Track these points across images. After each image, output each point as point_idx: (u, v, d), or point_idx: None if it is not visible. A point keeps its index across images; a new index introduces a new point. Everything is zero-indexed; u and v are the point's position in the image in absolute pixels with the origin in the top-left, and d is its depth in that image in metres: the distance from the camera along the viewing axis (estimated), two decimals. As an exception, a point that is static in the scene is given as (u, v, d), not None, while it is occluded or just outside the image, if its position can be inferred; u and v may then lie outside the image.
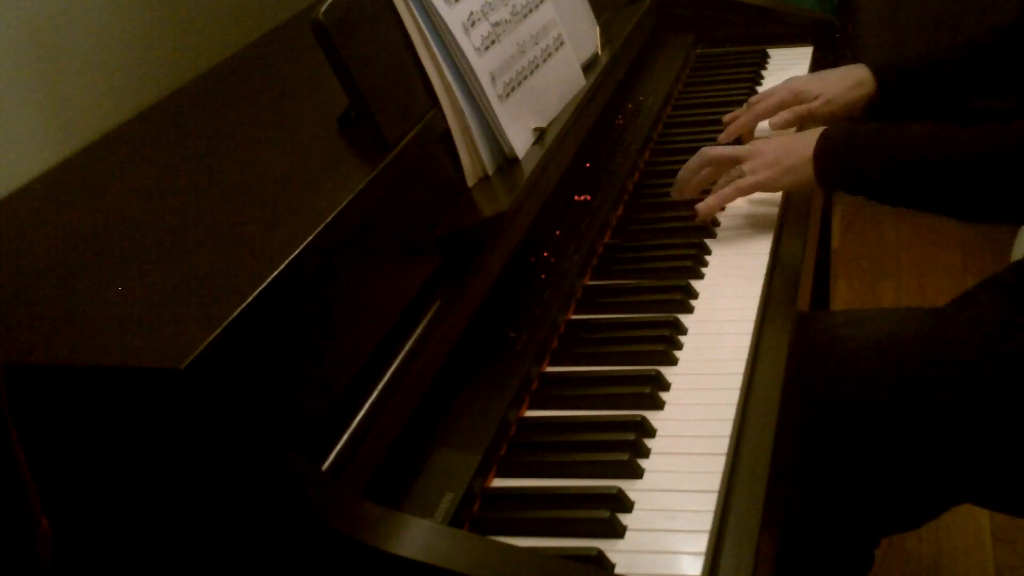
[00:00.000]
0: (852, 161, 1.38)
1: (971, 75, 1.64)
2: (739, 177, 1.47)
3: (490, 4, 1.35)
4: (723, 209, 1.50)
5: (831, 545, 1.48)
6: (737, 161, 1.48)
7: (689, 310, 1.32)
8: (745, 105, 1.72)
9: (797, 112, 1.66)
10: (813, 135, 1.42)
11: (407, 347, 1.07)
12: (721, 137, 1.70)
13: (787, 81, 1.72)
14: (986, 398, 1.33)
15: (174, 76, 1.58)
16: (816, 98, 1.65)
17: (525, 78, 1.39)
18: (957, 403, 1.34)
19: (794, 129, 1.68)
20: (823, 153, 1.40)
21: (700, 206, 1.47)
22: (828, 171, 1.40)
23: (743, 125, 1.69)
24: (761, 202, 1.52)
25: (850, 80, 1.66)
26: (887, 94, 1.65)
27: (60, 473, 0.89)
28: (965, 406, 1.33)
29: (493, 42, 1.34)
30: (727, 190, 1.46)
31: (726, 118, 1.72)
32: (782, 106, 1.69)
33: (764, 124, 1.71)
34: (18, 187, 1.29)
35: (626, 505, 1.01)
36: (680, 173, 1.53)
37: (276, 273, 0.93)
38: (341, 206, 1.04)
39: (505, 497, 1.05)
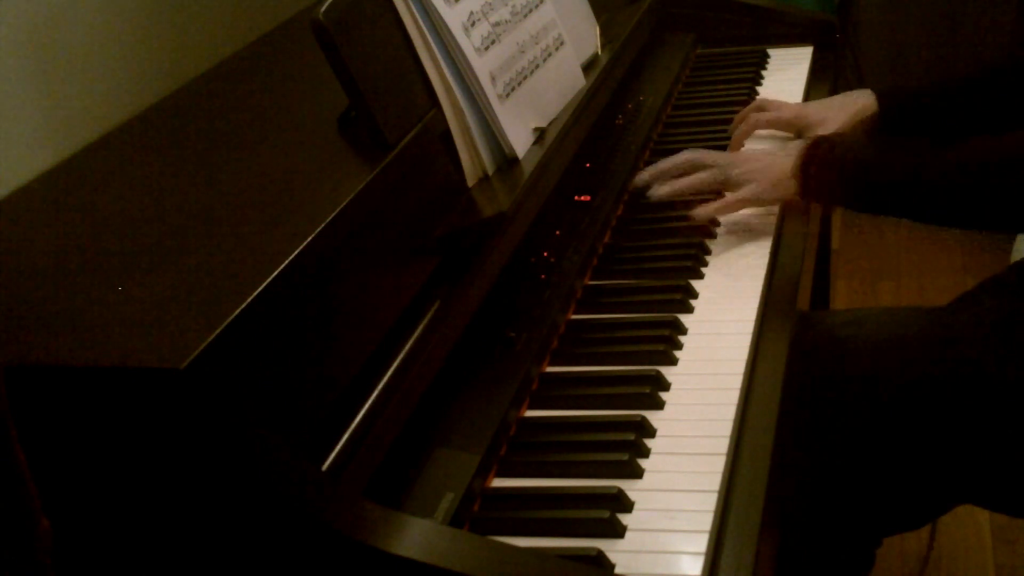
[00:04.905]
0: (835, 175, 1.37)
1: (980, 105, 1.59)
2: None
3: (490, 4, 1.35)
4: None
5: (832, 545, 1.48)
6: (721, 167, 1.47)
7: (689, 310, 1.32)
8: (754, 103, 1.72)
9: None
10: (795, 148, 1.42)
11: (407, 347, 1.07)
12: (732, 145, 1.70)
13: (793, 105, 1.71)
14: (988, 398, 1.33)
15: (174, 76, 1.58)
16: (819, 124, 1.63)
17: (525, 78, 1.39)
18: (958, 403, 1.34)
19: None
20: (806, 168, 1.39)
21: (695, 212, 1.46)
22: (811, 186, 1.40)
23: (747, 133, 1.70)
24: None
25: (855, 106, 1.62)
26: (890, 120, 1.61)
27: (60, 473, 0.89)
28: (966, 406, 1.33)
29: (493, 42, 1.34)
30: (718, 204, 1.46)
31: (732, 130, 1.72)
32: (779, 125, 1.69)
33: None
34: (18, 187, 1.29)
35: (626, 505, 1.01)
36: (661, 165, 1.51)
37: (276, 273, 0.93)
38: (341, 206, 1.04)
39: (505, 497, 1.05)
